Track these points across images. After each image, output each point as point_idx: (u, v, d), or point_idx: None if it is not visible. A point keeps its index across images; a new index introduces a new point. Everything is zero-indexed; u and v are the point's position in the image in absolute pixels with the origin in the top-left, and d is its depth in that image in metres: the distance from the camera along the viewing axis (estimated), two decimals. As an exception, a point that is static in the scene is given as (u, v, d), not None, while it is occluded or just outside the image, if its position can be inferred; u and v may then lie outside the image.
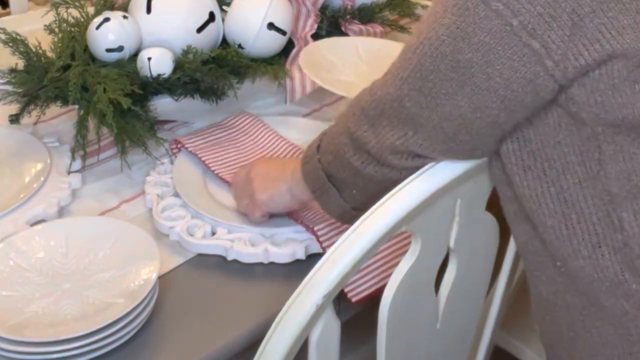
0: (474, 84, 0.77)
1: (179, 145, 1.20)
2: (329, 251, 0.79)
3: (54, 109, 1.22)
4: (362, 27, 1.42)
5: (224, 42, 1.28)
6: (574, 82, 0.74)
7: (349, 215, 0.95)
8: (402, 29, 1.50)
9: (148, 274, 0.93)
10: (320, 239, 1.01)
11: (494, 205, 0.95)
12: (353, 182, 0.91)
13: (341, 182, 0.93)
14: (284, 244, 1.04)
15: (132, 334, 0.90)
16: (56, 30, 1.21)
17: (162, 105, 1.20)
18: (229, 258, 1.03)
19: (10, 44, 1.18)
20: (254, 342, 0.89)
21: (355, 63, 1.31)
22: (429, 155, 0.84)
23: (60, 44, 1.19)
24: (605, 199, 0.78)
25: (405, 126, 0.83)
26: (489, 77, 0.76)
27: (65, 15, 1.22)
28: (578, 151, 0.78)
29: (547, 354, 0.95)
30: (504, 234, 1.02)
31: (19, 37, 1.19)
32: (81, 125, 1.16)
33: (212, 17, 1.25)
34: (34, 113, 1.20)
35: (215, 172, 1.16)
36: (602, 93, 0.74)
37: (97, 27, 1.17)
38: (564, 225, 0.81)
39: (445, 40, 0.76)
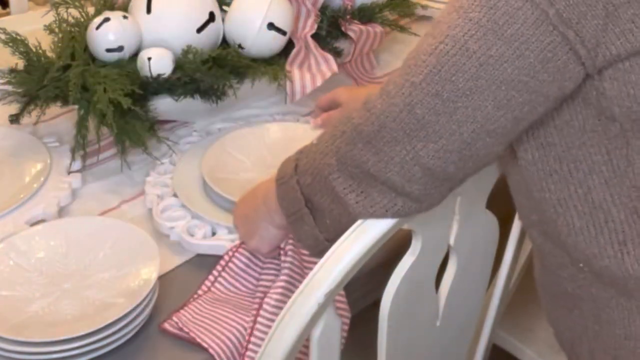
0: (502, 79, 0.73)
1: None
2: (331, 249, 0.79)
3: (54, 109, 1.23)
4: (362, 27, 1.41)
5: (224, 42, 1.28)
6: (605, 74, 0.74)
7: (322, 247, 0.87)
8: (402, 29, 1.50)
9: (148, 274, 0.93)
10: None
11: (494, 203, 0.95)
12: (329, 209, 0.84)
13: (318, 208, 0.85)
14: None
15: (132, 334, 0.90)
16: (56, 30, 1.21)
17: (162, 105, 1.20)
18: (230, 258, 1.03)
19: (10, 44, 1.19)
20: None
21: (261, 155, 1.21)
22: (439, 167, 0.77)
23: (60, 44, 1.19)
24: (632, 195, 0.78)
25: (412, 139, 0.76)
26: (519, 70, 0.73)
27: (65, 15, 1.22)
28: (605, 150, 0.78)
29: (567, 354, 0.95)
30: (504, 232, 1.02)
31: (19, 37, 1.19)
32: (81, 125, 1.16)
33: (212, 17, 1.25)
34: (34, 113, 1.21)
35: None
36: (634, 85, 0.74)
37: (97, 27, 1.17)
38: (592, 225, 0.81)
39: (473, 35, 0.73)
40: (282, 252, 0.97)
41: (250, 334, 0.90)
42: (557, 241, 0.84)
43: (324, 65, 1.33)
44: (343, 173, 0.81)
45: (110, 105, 1.11)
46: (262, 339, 0.90)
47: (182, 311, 0.94)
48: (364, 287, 1.03)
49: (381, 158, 0.78)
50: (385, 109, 0.77)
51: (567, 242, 0.83)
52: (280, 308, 0.90)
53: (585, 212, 0.81)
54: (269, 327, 0.90)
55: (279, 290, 0.93)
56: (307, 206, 0.86)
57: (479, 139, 0.76)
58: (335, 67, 1.33)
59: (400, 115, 0.76)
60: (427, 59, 0.75)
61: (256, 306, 0.93)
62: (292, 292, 0.91)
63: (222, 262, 1.00)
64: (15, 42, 1.19)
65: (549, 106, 0.77)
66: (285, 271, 0.95)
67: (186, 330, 0.91)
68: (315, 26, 1.36)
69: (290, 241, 0.97)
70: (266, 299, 0.93)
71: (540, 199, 0.83)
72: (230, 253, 1.00)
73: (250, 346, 0.90)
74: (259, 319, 0.91)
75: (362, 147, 0.79)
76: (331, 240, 0.85)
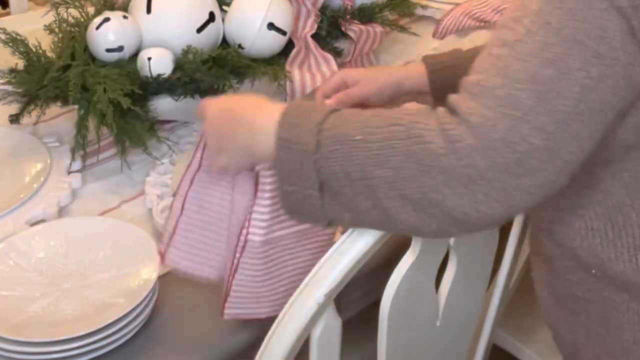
0: (598, 102, 0.68)
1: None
2: (331, 249, 0.79)
3: (54, 109, 1.23)
4: (362, 27, 1.41)
5: (224, 42, 1.28)
6: None
7: (318, 223, 0.79)
8: (402, 29, 1.50)
9: (148, 274, 0.93)
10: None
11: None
12: (364, 209, 0.73)
13: (344, 204, 0.74)
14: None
15: (132, 334, 0.90)
16: (56, 30, 1.21)
17: (162, 105, 1.20)
18: (229, 258, 1.03)
19: (10, 44, 1.19)
20: (255, 342, 0.89)
21: None
22: (524, 201, 0.69)
23: (60, 44, 1.19)
24: None
25: (506, 176, 0.68)
26: (609, 89, 0.68)
27: (65, 15, 1.22)
28: (628, 159, 0.77)
29: (566, 357, 0.95)
30: (504, 232, 1.02)
31: (19, 37, 1.19)
32: (81, 125, 1.16)
33: (212, 17, 1.25)
34: (34, 113, 1.21)
35: None
36: None
37: (97, 27, 1.17)
38: (610, 227, 0.80)
39: (573, 57, 0.67)
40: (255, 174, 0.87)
41: (235, 269, 0.88)
42: (569, 248, 0.85)
43: (324, 65, 1.33)
44: (398, 190, 0.71)
45: (110, 105, 1.11)
46: (246, 273, 0.88)
47: (170, 248, 0.92)
48: (364, 287, 1.03)
49: (458, 192, 0.69)
50: (476, 145, 0.67)
51: (582, 247, 0.83)
52: (266, 235, 0.86)
53: (603, 215, 0.81)
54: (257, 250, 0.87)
55: (266, 217, 0.86)
56: (323, 189, 0.75)
57: (565, 170, 0.70)
58: (335, 67, 1.33)
59: (496, 153, 0.67)
60: (526, 87, 0.67)
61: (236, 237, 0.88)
62: (279, 223, 0.87)
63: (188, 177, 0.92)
64: (15, 42, 1.19)
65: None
66: (268, 195, 0.85)
67: (182, 269, 0.93)
68: (315, 26, 1.36)
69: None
70: (251, 230, 0.86)
71: (557, 205, 0.83)
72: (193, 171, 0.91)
73: (234, 281, 0.88)
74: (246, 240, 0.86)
75: (433, 176, 0.69)
76: (331, 224, 0.78)
